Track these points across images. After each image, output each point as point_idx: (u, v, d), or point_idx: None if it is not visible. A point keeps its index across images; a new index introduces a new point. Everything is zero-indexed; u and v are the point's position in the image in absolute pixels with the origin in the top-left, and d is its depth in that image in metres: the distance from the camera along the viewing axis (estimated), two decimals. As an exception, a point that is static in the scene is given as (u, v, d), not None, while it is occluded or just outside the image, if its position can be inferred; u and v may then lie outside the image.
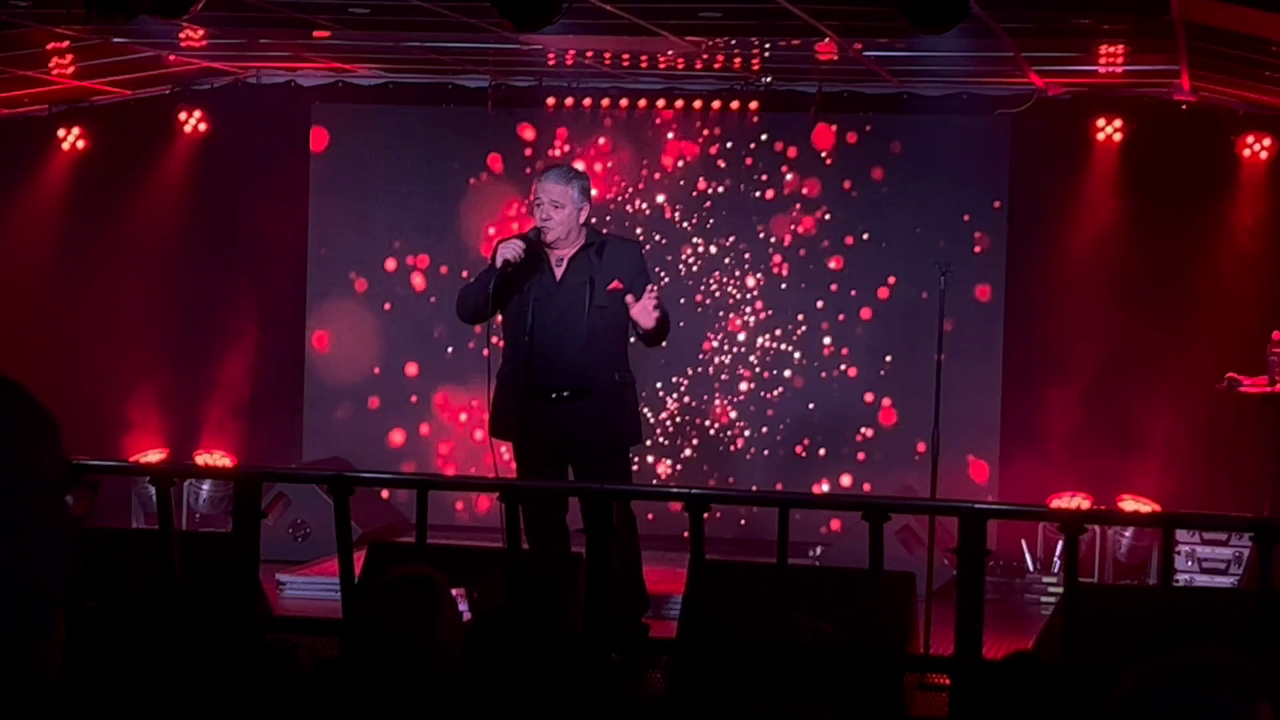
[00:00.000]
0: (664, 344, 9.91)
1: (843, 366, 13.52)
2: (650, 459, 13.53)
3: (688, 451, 13.68)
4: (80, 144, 14.22)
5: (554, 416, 9.21)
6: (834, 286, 13.55)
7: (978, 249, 13.21)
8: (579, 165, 12.54)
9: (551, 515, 9.13)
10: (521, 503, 8.53)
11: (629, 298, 9.12)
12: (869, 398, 13.50)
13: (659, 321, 9.10)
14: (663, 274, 13.29)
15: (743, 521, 13.21)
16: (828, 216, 13.55)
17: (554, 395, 9.21)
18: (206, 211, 14.26)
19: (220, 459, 13.72)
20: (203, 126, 14.16)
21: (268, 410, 14.26)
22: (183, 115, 14.12)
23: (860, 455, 13.47)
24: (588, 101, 13.72)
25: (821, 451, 13.53)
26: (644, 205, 13.73)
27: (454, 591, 5.48)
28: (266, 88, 14.08)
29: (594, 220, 9.63)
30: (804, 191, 13.58)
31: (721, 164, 13.66)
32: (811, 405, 13.55)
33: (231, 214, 14.26)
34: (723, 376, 13.63)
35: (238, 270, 14.20)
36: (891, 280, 13.44)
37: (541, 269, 9.30)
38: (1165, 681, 3.42)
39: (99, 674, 6.18)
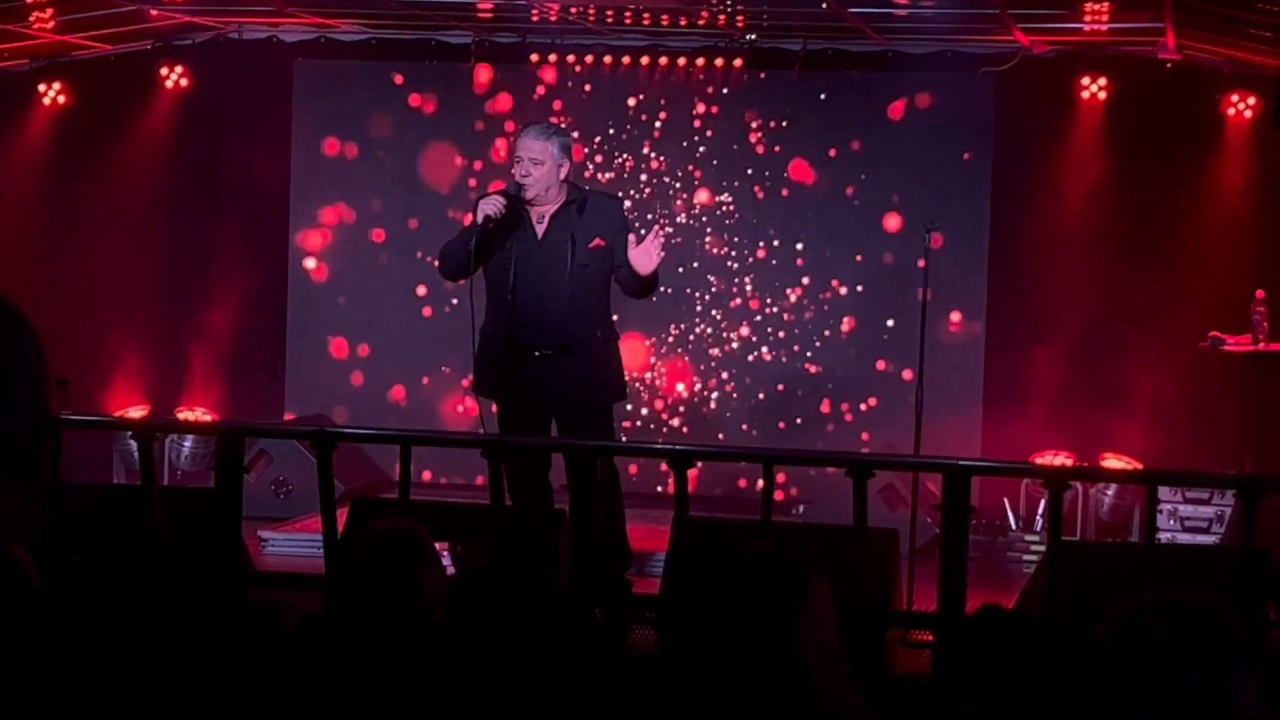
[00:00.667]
0: (653, 298, 9.91)
1: (827, 324, 13.50)
2: (641, 416, 13.52)
3: (672, 412, 13.68)
4: (61, 99, 14.14)
5: (537, 375, 9.21)
6: (818, 244, 13.53)
7: (961, 207, 13.18)
8: (559, 122, 12.50)
9: (535, 473, 9.12)
10: (505, 461, 8.53)
11: (630, 238, 9.11)
12: (852, 354, 13.49)
13: (654, 270, 9.11)
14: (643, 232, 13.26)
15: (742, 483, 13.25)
16: (812, 174, 13.52)
17: (537, 353, 9.20)
18: (188, 167, 14.20)
19: (202, 415, 13.69)
20: (184, 82, 14.09)
21: (251, 367, 14.23)
22: (164, 70, 14.06)
23: (846, 415, 13.46)
24: (571, 58, 13.68)
25: (807, 410, 13.52)
26: (627, 161, 13.69)
27: (438, 546, 5.47)
28: (248, 43, 14.01)
29: (572, 177, 9.58)
30: (788, 149, 13.54)
31: (705, 122, 13.62)
32: (796, 363, 13.54)
33: (213, 170, 14.21)
34: (708, 334, 13.61)
35: (220, 226, 14.15)
36: (875, 239, 13.42)
37: (523, 226, 9.27)
38: (1148, 618, 3.42)
39: (81, 628, 6.16)
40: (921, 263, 10.37)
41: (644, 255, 9.06)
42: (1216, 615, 3.51)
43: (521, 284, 9.16)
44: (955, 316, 13.20)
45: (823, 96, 13.48)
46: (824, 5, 11.58)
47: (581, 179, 11.96)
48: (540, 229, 9.28)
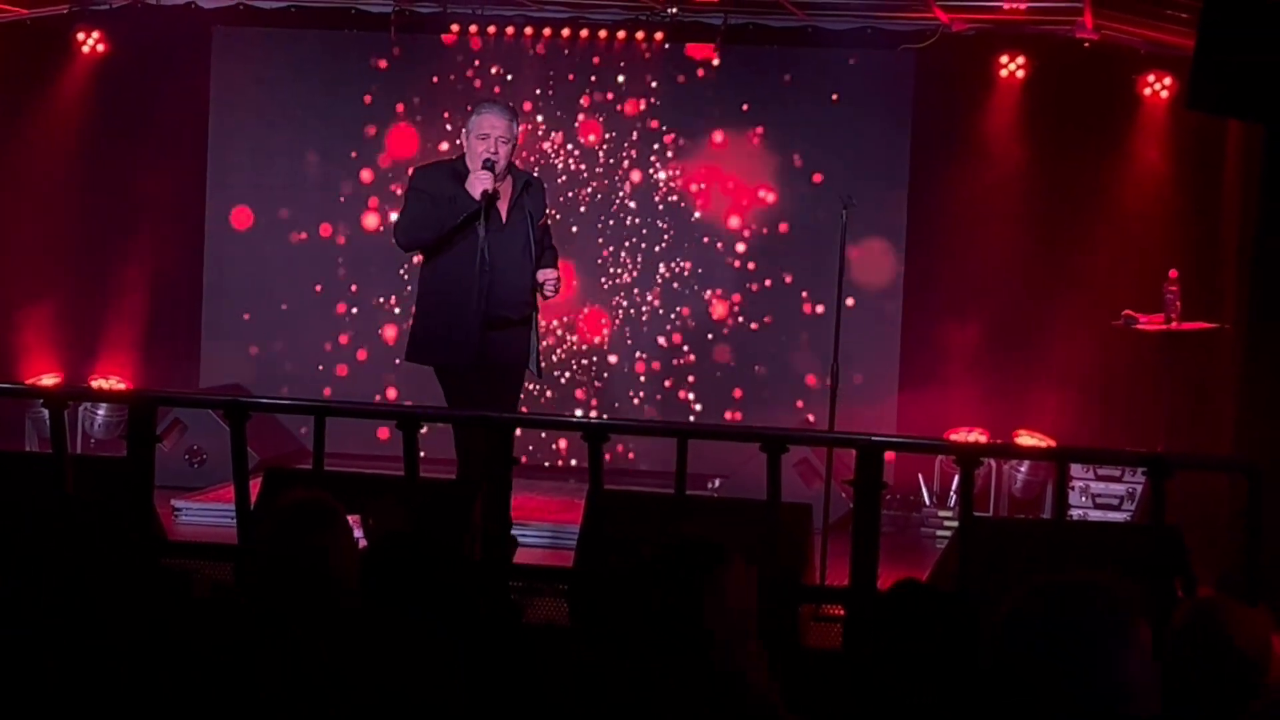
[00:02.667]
0: None
1: (742, 299, 13.53)
2: (552, 389, 13.54)
3: (578, 384, 13.70)
4: (-25, 63, 14.02)
5: (498, 344, 9.35)
6: (736, 219, 13.56)
7: (880, 182, 13.23)
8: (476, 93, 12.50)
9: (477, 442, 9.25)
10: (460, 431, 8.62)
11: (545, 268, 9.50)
12: (766, 328, 13.53)
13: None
14: (555, 212, 13.35)
15: (630, 455, 13.31)
16: (731, 149, 13.54)
17: (502, 323, 9.36)
18: (105, 134, 14.08)
19: (116, 384, 13.61)
20: (101, 48, 13.98)
21: (165, 336, 14.14)
22: (81, 35, 13.94)
23: (762, 390, 13.51)
24: (492, 29, 13.64)
25: (719, 386, 13.56)
26: (550, 135, 13.68)
27: (353, 518, 5.47)
28: (167, 9, 13.88)
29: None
30: (707, 124, 13.57)
31: (625, 95, 13.62)
32: (710, 335, 13.56)
33: (130, 137, 14.09)
34: (621, 306, 13.62)
35: (136, 194, 14.04)
36: (795, 214, 13.46)
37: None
38: (1045, 601, 3.48)
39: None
40: (839, 239, 10.38)
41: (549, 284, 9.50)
42: (1117, 597, 3.56)
43: (493, 258, 9.26)
44: (871, 293, 13.24)
45: (741, 71, 13.49)
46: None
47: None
48: (503, 206, 9.47)
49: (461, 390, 9.38)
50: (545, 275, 9.46)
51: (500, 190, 9.41)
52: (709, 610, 3.95)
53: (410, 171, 9.79)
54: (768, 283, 13.53)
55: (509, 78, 13.72)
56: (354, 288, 13.89)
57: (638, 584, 3.96)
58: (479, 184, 9.24)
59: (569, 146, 13.67)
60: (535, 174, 10.51)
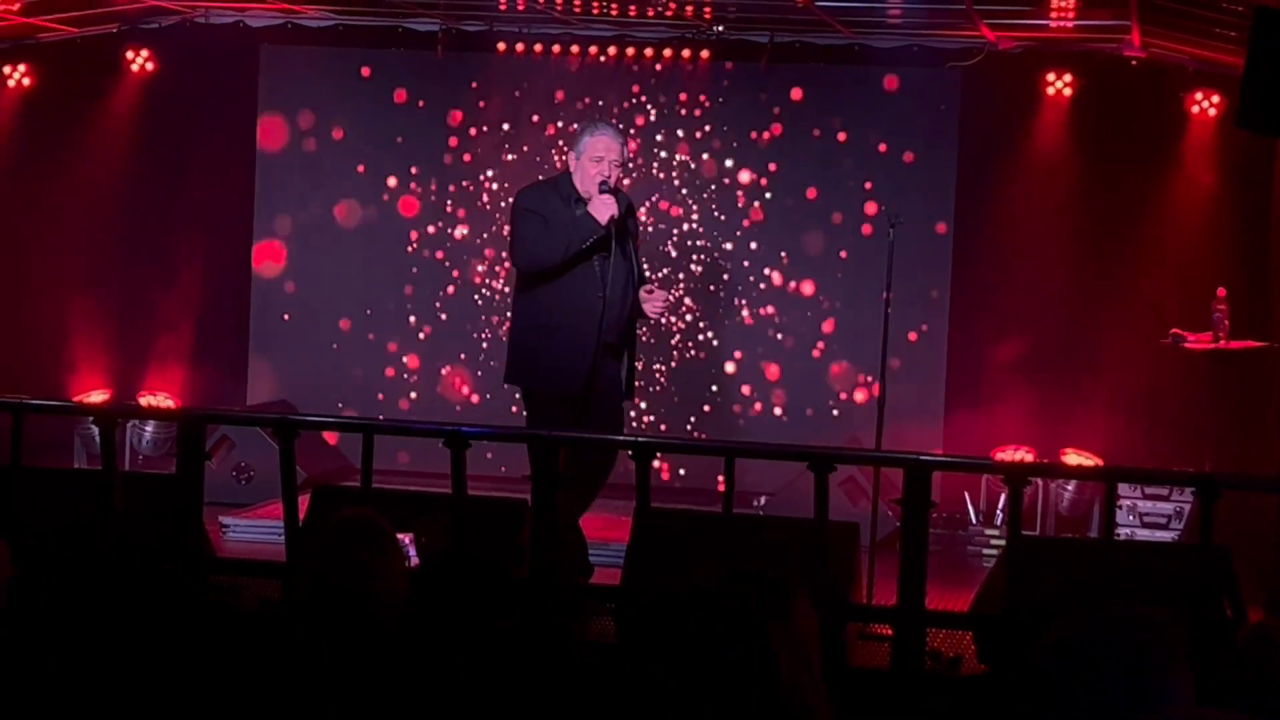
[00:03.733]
0: None
1: (791, 320, 13.52)
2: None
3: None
4: (26, 82, 14.10)
5: (604, 372, 9.28)
6: (783, 237, 13.55)
7: (927, 200, 13.21)
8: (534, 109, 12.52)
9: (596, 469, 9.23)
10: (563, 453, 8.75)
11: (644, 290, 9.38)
12: (816, 352, 13.51)
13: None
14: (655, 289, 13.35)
15: (681, 471, 13.30)
16: (777, 167, 13.54)
17: (614, 349, 9.34)
18: (153, 151, 14.15)
19: (164, 400, 13.67)
20: (150, 66, 14.05)
21: (213, 352, 14.19)
22: (130, 54, 14.02)
23: (809, 410, 13.48)
24: (538, 47, 13.67)
25: (769, 406, 13.55)
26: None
27: (401, 536, 5.47)
28: (214, 27, 13.97)
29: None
30: (753, 142, 13.56)
31: (670, 112, 13.62)
32: (757, 349, 13.55)
33: (178, 155, 14.16)
34: (676, 329, 13.61)
35: (184, 211, 14.12)
36: (840, 233, 13.44)
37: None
38: (1090, 630, 3.47)
39: (39, 612, 6.15)
40: (886, 257, 10.37)
41: (650, 305, 9.34)
42: (1163, 631, 3.55)
43: (610, 284, 9.24)
44: (918, 311, 13.22)
45: (787, 89, 13.49)
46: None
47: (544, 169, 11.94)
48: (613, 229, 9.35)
49: (555, 416, 9.26)
50: (658, 296, 9.34)
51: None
52: (776, 637, 3.95)
53: (516, 194, 9.67)
54: (812, 297, 13.50)
55: (557, 96, 13.73)
56: (404, 303, 13.92)
57: (700, 609, 3.96)
58: (605, 209, 9.12)
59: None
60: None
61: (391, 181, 13.93)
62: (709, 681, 3.85)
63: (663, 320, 9.44)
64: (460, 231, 13.88)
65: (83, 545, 8.24)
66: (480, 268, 13.86)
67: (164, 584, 8.08)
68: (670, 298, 9.31)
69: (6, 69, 14.04)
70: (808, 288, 13.52)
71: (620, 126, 9.79)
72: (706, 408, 13.57)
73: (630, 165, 9.37)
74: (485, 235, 13.83)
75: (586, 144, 9.31)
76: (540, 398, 9.42)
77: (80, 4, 13.11)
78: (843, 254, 13.45)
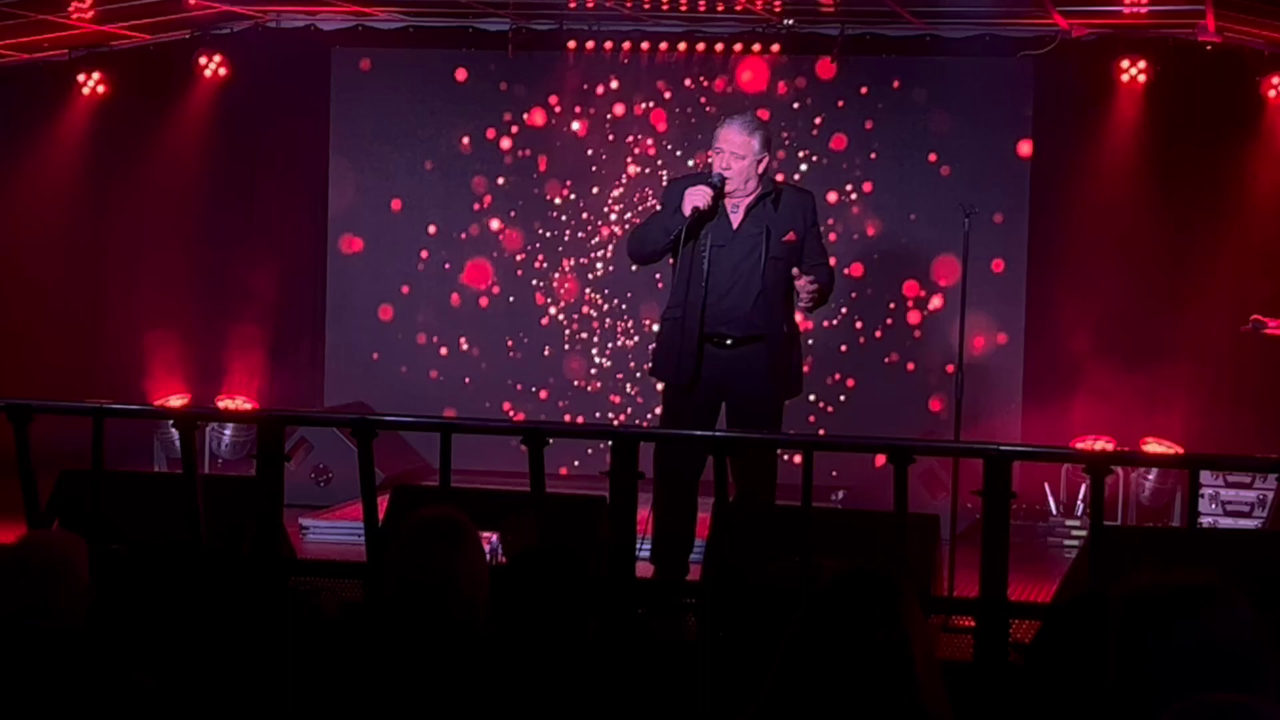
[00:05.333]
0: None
1: (867, 310, 13.47)
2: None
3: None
4: (100, 89, 14.20)
5: (725, 361, 9.21)
6: (856, 229, 13.51)
7: (1002, 191, 13.15)
8: (762, 114, 12.67)
9: (690, 469, 9.16)
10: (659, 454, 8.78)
11: (795, 271, 9.16)
12: (889, 334, 13.47)
13: (815, 300, 9.23)
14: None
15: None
16: (852, 157, 13.50)
17: (729, 341, 9.22)
18: (227, 156, 14.23)
19: (242, 403, 13.73)
20: (223, 71, 14.12)
21: (290, 354, 14.27)
22: (203, 60, 14.09)
23: (885, 399, 13.44)
24: (609, 45, 13.67)
25: (843, 397, 13.51)
26: (669, 148, 13.71)
27: (486, 535, 5.46)
28: (286, 31, 14.04)
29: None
30: (827, 133, 13.53)
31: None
32: (839, 345, 13.52)
33: (252, 158, 14.25)
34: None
35: (259, 215, 14.21)
36: (914, 219, 13.40)
37: (718, 216, 9.27)
38: (1165, 597, 3.43)
39: (125, 617, 6.18)
40: (962, 248, 10.33)
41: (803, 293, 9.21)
42: (1236, 604, 3.52)
43: (715, 273, 9.16)
44: (995, 301, 13.15)
45: (859, 81, 13.46)
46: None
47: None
48: (736, 219, 9.25)
49: (677, 410, 9.29)
50: (801, 283, 9.13)
51: (738, 205, 9.22)
52: (912, 634, 3.94)
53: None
54: (887, 290, 13.46)
55: (627, 91, 13.73)
56: (480, 302, 13.95)
57: (819, 608, 3.94)
58: (689, 200, 9.08)
59: (690, 162, 13.65)
60: (801, 188, 10.16)
61: (463, 181, 13.96)
62: (839, 669, 3.83)
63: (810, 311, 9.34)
64: (540, 235, 13.91)
65: (166, 550, 8.29)
66: (554, 271, 13.90)
67: (247, 588, 8.11)
68: (812, 286, 9.14)
69: (80, 77, 14.14)
70: (879, 277, 13.46)
71: (757, 117, 9.55)
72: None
73: (754, 158, 9.17)
74: (558, 237, 13.85)
75: (716, 135, 9.29)
76: (666, 388, 9.47)
77: (152, 10, 13.18)
78: (917, 244, 13.39)
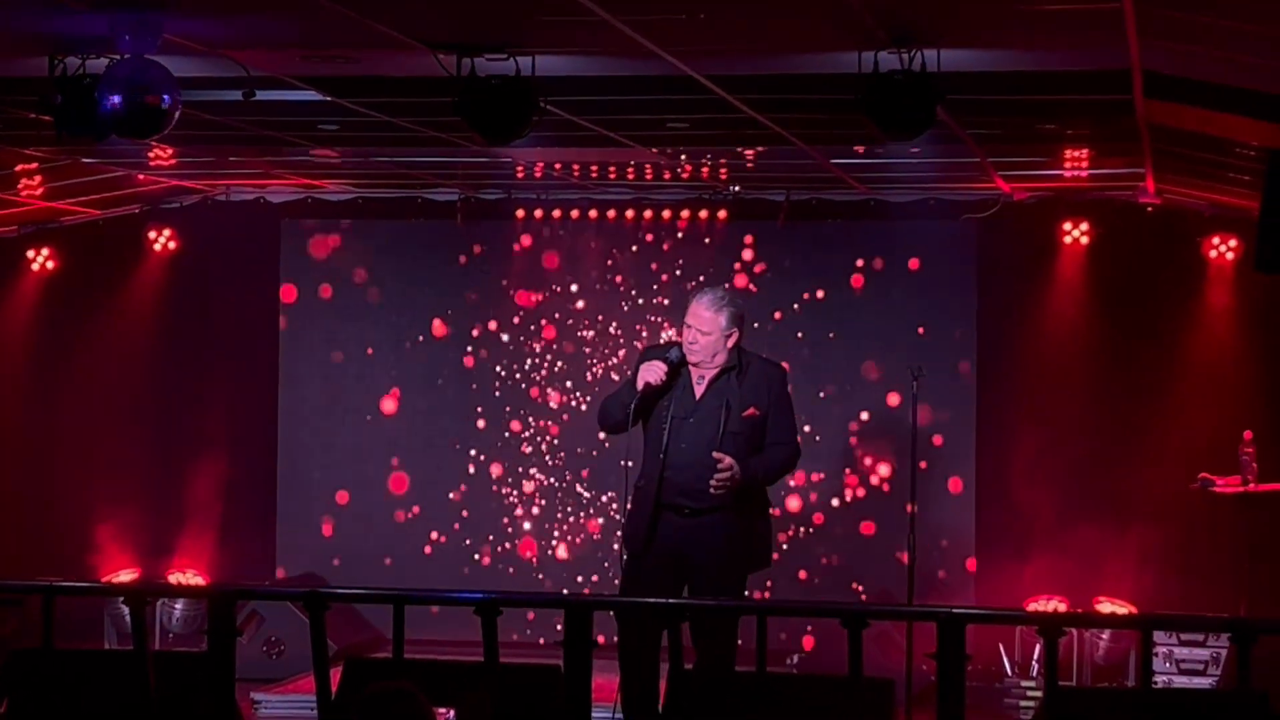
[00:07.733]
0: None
1: (816, 472, 13.49)
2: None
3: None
4: (50, 264, 14.23)
5: (684, 531, 9.18)
6: (806, 391, 13.55)
7: (948, 352, 13.23)
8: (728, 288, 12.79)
9: (650, 640, 9.11)
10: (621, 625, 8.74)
11: (715, 454, 9.11)
12: (837, 501, 13.48)
13: (744, 485, 9.15)
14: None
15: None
16: (798, 321, 13.57)
17: (687, 510, 9.19)
18: (177, 328, 14.23)
19: (193, 577, 13.64)
20: (173, 244, 14.18)
21: (240, 527, 14.18)
22: (153, 234, 14.15)
23: (835, 559, 13.42)
24: (557, 213, 13.78)
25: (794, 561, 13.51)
26: (615, 312, 13.77)
27: (440, 712, 5.44)
28: (235, 204, 14.09)
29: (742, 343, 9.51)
30: (771, 297, 13.59)
31: (690, 271, 13.67)
32: (785, 504, 13.52)
33: (202, 329, 14.25)
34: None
35: (208, 387, 14.18)
36: (863, 383, 13.45)
37: (682, 387, 9.30)
38: None
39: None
40: (910, 409, 10.38)
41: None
42: None
43: (674, 444, 9.18)
44: (945, 465, 13.19)
45: (804, 246, 13.56)
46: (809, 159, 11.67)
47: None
48: (699, 390, 9.27)
49: (634, 577, 9.26)
50: (723, 463, 9.05)
51: (703, 377, 9.22)
52: None
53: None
54: (837, 452, 13.50)
55: (575, 259, 13.82)
56: (435, 472, 13.95)
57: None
58: (642, 375, 9.16)
59: (636, 326, 13.72)
60: (773, 361, 10.02)
61: (417, 344, 13.98)
62: None
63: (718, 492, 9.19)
64: (494, 390, 13.95)
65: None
66: (514, 423, 13.92)
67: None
68: (730, 474, 9.08)
69: (30, 253, 14.17)
70: (833, 439, 13.49)
71: (728, 294, 9.48)
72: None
73: (721, 334, 9.15)
74: (513, 383, 13.90)
75: (687, 308, 9.34)
76: (629, 558, 9.39)
77: (102, 186, 13.23)
78: (865, 406, 13.45)
